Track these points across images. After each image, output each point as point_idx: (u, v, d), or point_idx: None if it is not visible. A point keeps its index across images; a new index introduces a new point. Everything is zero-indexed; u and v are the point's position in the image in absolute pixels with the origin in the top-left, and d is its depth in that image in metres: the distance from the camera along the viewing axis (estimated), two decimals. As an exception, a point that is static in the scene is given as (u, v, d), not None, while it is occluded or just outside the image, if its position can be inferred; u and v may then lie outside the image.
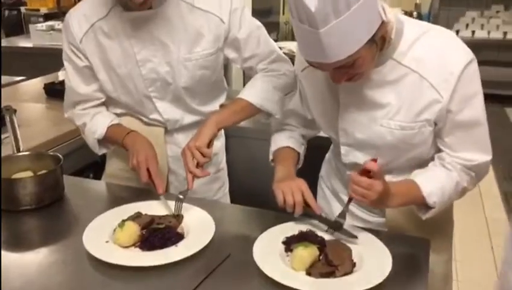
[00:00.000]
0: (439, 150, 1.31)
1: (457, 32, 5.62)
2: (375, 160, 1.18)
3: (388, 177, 1.27)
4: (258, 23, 1.56)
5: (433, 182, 1.25)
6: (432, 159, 1.32)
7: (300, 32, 1.10)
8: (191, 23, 1.46)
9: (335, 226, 1.25)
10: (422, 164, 1.32)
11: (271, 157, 1.50)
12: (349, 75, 1.17)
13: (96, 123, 1.55)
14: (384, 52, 1.20)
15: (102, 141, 1.57)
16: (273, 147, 1.49)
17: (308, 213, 1.29)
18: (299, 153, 1.48)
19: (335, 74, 1.17)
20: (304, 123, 1.52)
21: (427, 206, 1.26)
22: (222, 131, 1.76)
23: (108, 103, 1.61)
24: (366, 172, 1.15)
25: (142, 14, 1.42)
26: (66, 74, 1.57)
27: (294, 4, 1.05)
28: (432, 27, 1.26)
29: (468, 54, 1.20)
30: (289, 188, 1.27)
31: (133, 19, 1.43)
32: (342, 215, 1.26)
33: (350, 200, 1.23)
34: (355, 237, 1.23)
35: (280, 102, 1.51)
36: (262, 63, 1.54)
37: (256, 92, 1.49)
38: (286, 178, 1.33)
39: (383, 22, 1.11)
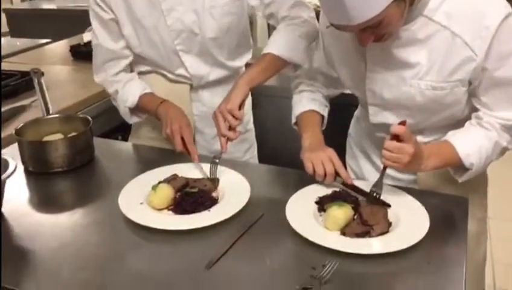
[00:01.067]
0: (475, 109, 1.25)
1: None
2: (403, 122, 1.13)
3: (419, 138, 1.24)
4: None
5: (470, 143, 1.20)
6: (468, 118, 1.26)
7: None
8: None
9: (371, 198, 1.21)
10: (456, 123, 1.27)
11: (294, 120, 1.46)
12: (377, 36, 1.11)
13: (128, 91, 1.54)
14: (415, 8, 1.13)
15: (134, 110, 1.56)
16: (296, 111, 1.45)
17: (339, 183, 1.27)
18: (323, 116, 1.44)
19: (361, 35, 1.10)
20: (328, 82, 1.47)
21: (464, 168, 1.21)
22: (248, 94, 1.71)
23: (133, 60, 1.58)
24: (395, 136, 1.11)
25: None
26: (93, 32, 1.54)
27: None
28: None
29: (506, 7, 1.12)
30: (319, 158, 1.25)
31: None
32: (378, 185, 1.21)
33: (385, 168, 1.19)
34: (389, 205, 1.19)
35: (306, 51, 1.46)
36: (283, 8, 1.48)
37: (281, 44, 1.44)
38: (315, 147, 1.30)
39: None
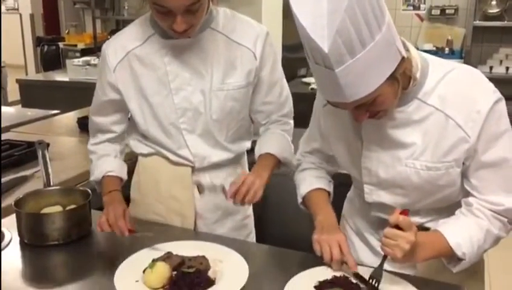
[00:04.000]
0: (466, 195, 1.25)
1: (490, 68, 5.51)
2: (404, 212, 1.14)
3: (416, 219, 1.24)
4: (283, 74, 1.62)
5: (460, 232, 1.19)
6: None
7: (317, 73, 1.07)
8: (225, 54, 1.48)
9: (370, 287, 1.19)
10: (452, 205, 1.27)
11: (300, 200, 1.45)
12: (372, 113, 1.14)
13: (97, 166, 1.57)
14: (409, 91, 1.17)
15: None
16: (303, 189, 1.44)
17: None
18: (329, 193, 1.44)
19: (356, 112, 1.14)
20: (327, 159, 1.48)
21: (457, 258, 1.19)
22: None
23: (136, 140, 1.60)
24: (395, 225, 1.12)
25: (180, 42, 1.44)
26: (93, 102, 1.59)
27: (308, 46, 1.03)
28: (458, 66, 1.23)
29: (495, 93, 1.17)
30: (327, 242, 1.25)
31: (171, 46, 1.45)
32: (378, 272, 1.19)
33: (385, 257, 1.17)
34: None
35: (293, 153, 1.58)
36: (278, 112, 1.60)
37: (279, 147, 1.54)
38: (326, 230, 1.29)
39: (403, 58, 1.08)
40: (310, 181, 1.44)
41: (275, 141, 1.56)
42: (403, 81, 1.13)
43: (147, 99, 1.49)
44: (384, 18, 1.02)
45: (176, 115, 1.50)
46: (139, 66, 1.48)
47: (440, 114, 1.17)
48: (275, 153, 1.52)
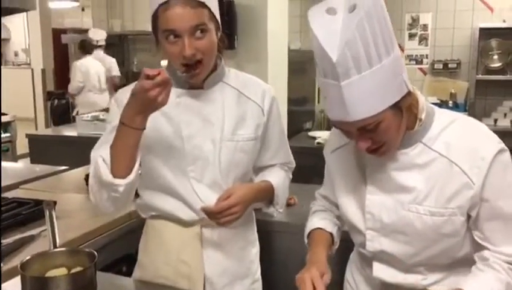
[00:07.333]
0: (478, 249, 1.24)
1: (495, 121, 5.56)
2: None
3: (418, 278, 1.24)
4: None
5: (482, 288, 1.17)
6: (467, 258, 1.26)
7: (324, 89, 1.13)
8: (236, 106, 1.54)
9: None
10: (455, 263, 1.26)
11: (306, 240, 1.48)
12: (374, 142, 1.16)
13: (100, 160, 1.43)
14: (414, 132, 1.20)
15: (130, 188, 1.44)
16: (307, 230, 1.48)
17: None
18: (331, 234, 1.44)
19: (359, 137, 1.16)
20: (333, 204, 1.51)
21: None
22: (257, 239, 1.72)
23: (146, 196, 1.58)
24: None
25: (193, 92, 1.50)
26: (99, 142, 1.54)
27: (318, 56, 1.09)
28: (463, 116, 1.27)
29: (500, 143, 1.19)
30: (302, 279, 1.24)
31: (185, 95, 1.50)
32: None
33: None
34: None
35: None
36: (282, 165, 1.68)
37: (282, 188, 1.61)
38: (307, 266, 1.29)
39: (409, 93, 1.12)
40: (314, 222, 1.48)
41: (281, 179, 1.63)
42: (408, 119, 1.17)
43: (160, 145, 1.51)
44: (393, 46, 1.09)
45: (185, 163, 1.51)
46: (153, 114, 1.50)
47: (444, 160, 1.19)
48: (275, 187, 1.58)
